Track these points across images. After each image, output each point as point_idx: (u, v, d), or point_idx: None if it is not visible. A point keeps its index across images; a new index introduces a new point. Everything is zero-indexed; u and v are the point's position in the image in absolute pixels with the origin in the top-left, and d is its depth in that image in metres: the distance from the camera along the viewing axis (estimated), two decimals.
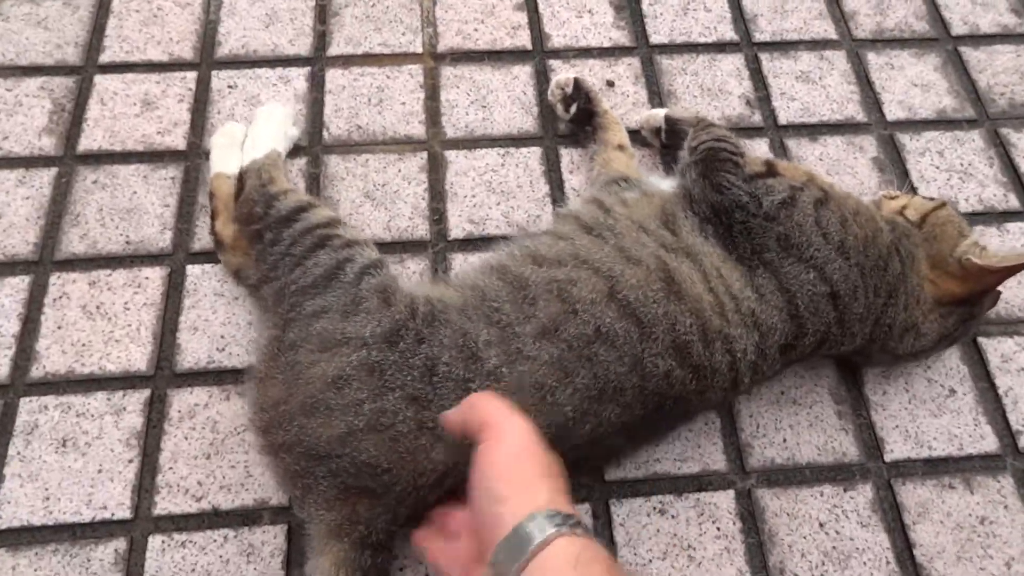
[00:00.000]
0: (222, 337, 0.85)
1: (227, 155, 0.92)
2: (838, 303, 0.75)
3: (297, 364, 0.69)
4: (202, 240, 0.92)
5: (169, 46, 1.08)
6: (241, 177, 0.89)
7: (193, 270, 0.90)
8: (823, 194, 0.79)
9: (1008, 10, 1.20)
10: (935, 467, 0.83)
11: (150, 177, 0.96)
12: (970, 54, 1.15)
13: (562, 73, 1.05)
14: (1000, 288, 0.83)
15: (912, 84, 1.12)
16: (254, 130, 0.94)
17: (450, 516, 0.64)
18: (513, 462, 0.54)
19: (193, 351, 0.85)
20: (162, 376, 0.83)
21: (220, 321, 0.86)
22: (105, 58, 1.06)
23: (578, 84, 1.01)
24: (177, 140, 0.99)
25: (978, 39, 1.17)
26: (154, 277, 0.89)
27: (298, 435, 0.67)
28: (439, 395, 0.67)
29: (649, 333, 0.70)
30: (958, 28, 1.17)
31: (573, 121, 1.02)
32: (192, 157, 0.98)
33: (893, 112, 1.09)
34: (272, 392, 0.70)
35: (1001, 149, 1.06)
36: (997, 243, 0.98)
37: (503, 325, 0.70)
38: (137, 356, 0.84)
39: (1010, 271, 0.77)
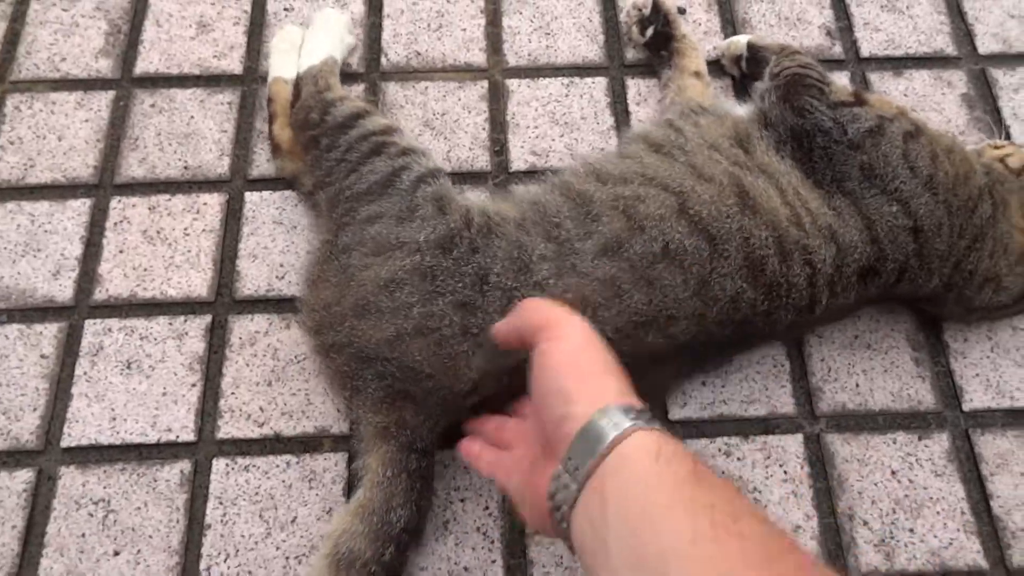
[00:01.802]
0: (281, 265, 0.84)
1: (286, 59, 0.91)
2: (919, 238, 0.71)
3: (350, 267, 0.69)
4: (260, 167, 0.90)
5: None
6: (297, 83, 0.88)
7: (251, 197, 0.88)
8: (914, 127, 0.75)
9: None
10: (1016, 418, 0.79)
11: (207, 102, 0.94)
12: None
13: None
14: None
15: (1009, 15, 1.04)
16: (311, 35, 0.92)
17: (502, 427, 0.63)
18: (577, 358, 0.51)
19: (252, 278, 0.84)
20: (222, 303, 0.83)
21: (279, 249, 0.85)
22: None
23: (656, 5, 0.96)
24: (233, 64, 0.97)
25: None
26: (212, 203, 0.88)
27: (349, 336, 0.68)
28: (487, 302, 0.66)
29: (721, 251, 0.67)
30: None
31: (648, 46, 0.97)
32: (248, 81, 0.96)
33: (986, 45, 1.01)
34: (324, 294, 0.70)
35: None
36: None
37: (561, 240, 0.68)
38: (197, 282, 0.83)
39: None
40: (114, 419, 0.77)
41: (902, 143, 0.73)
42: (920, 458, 0.77)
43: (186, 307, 0.82)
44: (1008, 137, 0.94)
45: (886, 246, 0.71)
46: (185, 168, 0.90)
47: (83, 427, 0.76)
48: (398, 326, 0.66)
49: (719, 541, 0.39)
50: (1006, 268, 0.75)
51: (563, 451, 0.47)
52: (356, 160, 0.76)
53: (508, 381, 0.66)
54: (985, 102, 0.97)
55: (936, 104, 0.97)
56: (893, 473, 0.77)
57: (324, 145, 0.79)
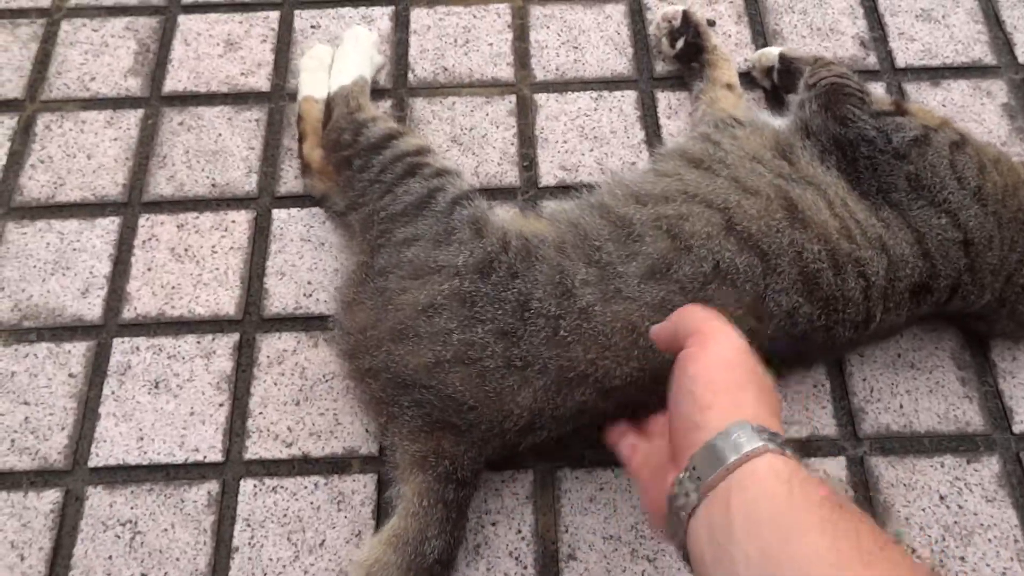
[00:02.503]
0: (309, 283, 0.84)
1: (316, 78, 0.90)
2: (970, 251, 0.69)
3: (387, 290, 0.68)
4: (287, 184, 0.90)
5: None
6: (328, 104, 0.87)
7: (279, 214, 0.88)
8: (960, 137, 0.73)
9: None
10: None
11: (234, 119, 0.94)
12: None
13: (667, 6, 0.98)
14: None
15: None
16: (341, 54, 0.92)
17: (652, 417, 0.61)
18: (721, 369, 0.49)
19: (280, 296, 0.83)
20: (250, 321, 0.82)
21: (307, 267, 0.84)
22: None
23: (687, 17, 0.94)
24: (261, 81, 0.97)
25: None
26: (240, 221, 0.87)
27: (385, 361, 0.66)
28: (529, 332, 0.64)
29: (774, 266, 0.65)
30: None
31: (678, 58, 0.95)
32: (276, 99, 0.96)
33: None
34: (360, 317, 0.69)
35: None
36: None
37: (603, 264, 0.67)
38: (225, 300, 0.83)
39: None
40: (141, 439, 0.76)
41: (948, 153, 0.71)
42: (969, 483, 0.74)
43: (214, 325, 0.82)
44: None
45: (938, 261, 0.69)
46: (213, 186, 0.90)
47: (111, 447, 0.76)
48: (437, 352, 0.65)
49: (867, 564, 0.37)
50: None
51: (688, 459, 0.46)
52: (390, 181, 0.76)
53: (575, 425, 0.65)
54: None
55: (976, 115, 0.94)
56: (942, 498, 0.74)
57: (357, 166, 0.79)
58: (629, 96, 0.96)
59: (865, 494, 0.74)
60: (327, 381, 0.78)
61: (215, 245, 0.86)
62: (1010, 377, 0.79)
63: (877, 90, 0.96)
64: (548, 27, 1.02)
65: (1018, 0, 1.03)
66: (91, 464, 0.75)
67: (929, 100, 0.96)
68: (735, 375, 0.48)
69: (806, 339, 0.67)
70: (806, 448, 0.76)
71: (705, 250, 0.65)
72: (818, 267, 0.65)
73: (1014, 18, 1.01)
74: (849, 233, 0.67)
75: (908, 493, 0.74)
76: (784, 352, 0.67)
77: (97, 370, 0.79)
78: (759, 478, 0.42)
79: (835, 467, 0.75)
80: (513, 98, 0.96)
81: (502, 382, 0.64)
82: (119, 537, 0.72)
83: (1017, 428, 0.77)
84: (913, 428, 0.77)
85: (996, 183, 0.70)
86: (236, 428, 0.77)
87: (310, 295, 0.83)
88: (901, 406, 0.78)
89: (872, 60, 0.99)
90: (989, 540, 0.72)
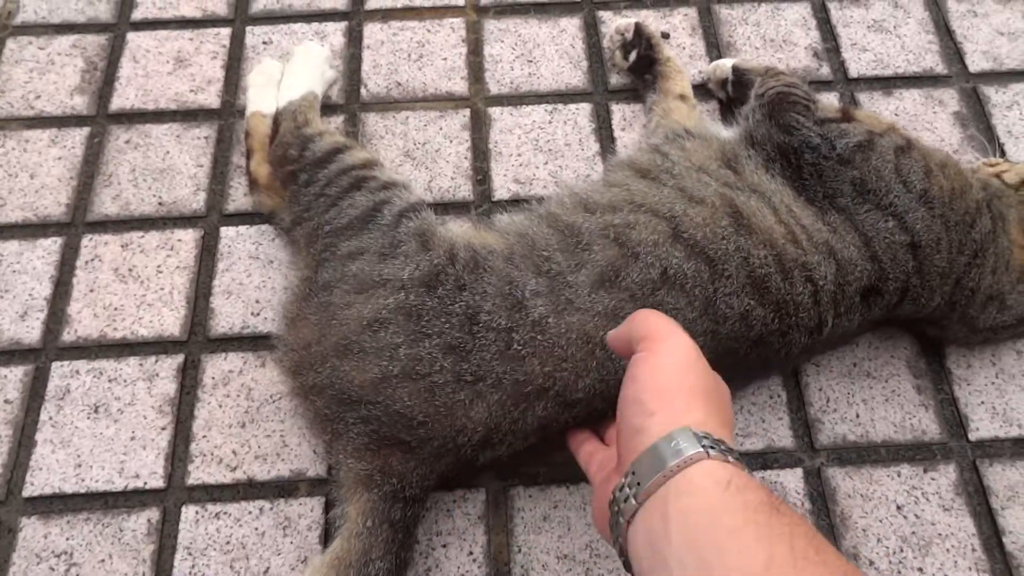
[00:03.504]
0: (257, 302, 0.82)
1: (264, 93, 0.89)
2: (918, 253, 0.69)
3: (331, 305, 0.67)
4: (236, 201, 0.88)
5: (203, 2, 1.04)
6: (276, 119, 0.86)
7: (227, 232, 0.86)
8: (905, 142, 0.73)
9: None
10: None
11: (183, 136, 0.92)
12: None
13: (620, 19, 0.98)
14: None
15: (998, 32, 1.02)
16: (291, 69, 0.91)
17: (610, 424, 0.61)
18: (668, 375, 0.48)
19: (227, 316, 0.81)
20: (195, 341, 0.80)
21: (255, 285, 0.83)
22: (138, 15, 1.02)
23: (639, 29, 0.94)
24: (211, 98, 0.96)
25: None
26: (187, 239, 0.85)
27: (330, 377, 0.65)
28: (479, 346, 0.63)
29: (721, 271, 0.65)
30: None
31: (632, 70, 0.95)
32: (226, 116, 0.94)
33: (976, 63, 0.99)
34: (304, 332, 0.68)
35: None
36: None
37: (553, 274, 0.66)
38: (170, 320, 0.81)
39: None
40: (79, 466, 0.73)
41: (894, 157, 0.71)
42: (927, 492, 0.73)
43: (158, 347, 0.79)
44: (1003, 155, 0.92)
45: (886, 263, 0.68)
46: (160, 204, 0.88)
47: (47, 475, 0.73)
48: (383, 368, 0.64)
49: (800, 569, 0.37)
50: (1009, 285, 0.72)
51: (629, 464, 0.46)
52: (336, 195, 0.75)
53: (536, 440, 0.64)
54: (978, 120, 0.95)
55: (928, 123, 0.95)
56: (899, 508, 0.73)
57: (303, 180, 0.77)
58: (584, 109, 0.96)
59: (823, 506, 0.73)
60: (274, 402, 0.76)
61: (160, 265, 0.84)
62: (965, 384, 0.79)
63: (829, 99, 0.96)
64: (503, 41, 1.01)
65: (967, 11, 1.04)
66: (25, 494, 0.72)
67: (882, 109, 0.96)
68: (683, 380, 0.48)
69: (763, 343, 0.66)
70: (763, 460, 0.75)
71: (652, 257, 0.65)
72: (765, 271, 0.65)
73: (964, 28, 1.02)
74: (795, 238, 0.67)
75: (865, 504, 0.73)
76: (744, 357, 0.67)
77: (34, 395, 0.77)
78: (697, 483, 0.42)
79: (792, 479, 0.74)
80: (467, 112, 0.95)
81: (452, 397, 0.62)
82: (53, 569, 0.69)
83: (973, 435, 0.76)
84: (870, 438, 0.76)
85: (943, 186, 0.70)
86: (179, 452, 0.74)
87: (258, 314, 0.81)
88: (857, 415, 0.77)
89: (825, 71, 0.99)
90: (947, 550, 0.71)
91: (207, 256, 0.85)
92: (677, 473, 0.42)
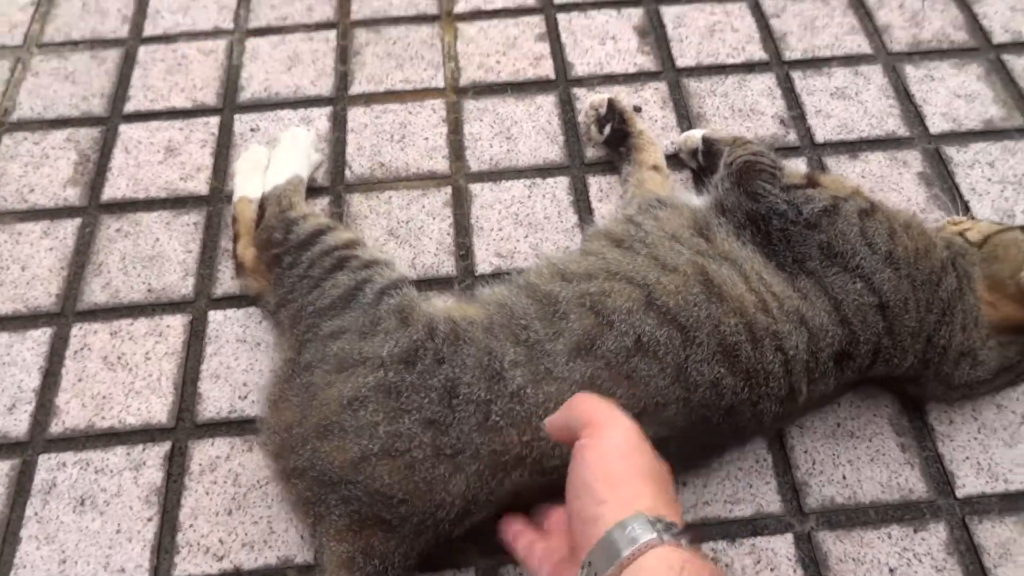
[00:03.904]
0: (244, 384, 0.82)
1: (250, 179, 0.92)
2: (887, 314, 0.70)
3: (312, 385, 0.68)
4: (224, 285, 0.90)
5: (193, 92, 1.08)
6: (262, 204, 0.88)
7: (215, 316, 0.87)
8: (869, 205, 0.75)
9: None
10: (1014, 502, 0.76)
11: (172, 223, 0.95)
12: (1014, 62, 1.10)
13: (594, 95, 1.02)
14: None
15: (955, 95, 1.06)
16: (277, 155, 0.94)
17: (546, 512, 0.60)
18: (615, 461, 0.49)
19: (215, 400, 0.82)
20: (183, 427, 0.80)
21: (242, 368, 0.84)
22: (130, 107, 1.06)
23: (612, 104, 0.98)
24: (200, 185, 0.98)
25: (1021, 46, 1.12)
26: (175, 325, 0.87)
27: (311, 459, 0.65)
28: (458, 419, 0.64)
29: (693, 338, 0.66)
30: (999, 36, 1.13)
31: (607, 143, 0.99)
32: (214, 201, 0.97)
33: (937, 125, 1.03)
34: (286, 414, 0.68)
35: None
36: None
37: (531, 343, 0.67)
38: (157, 407, 0.81)
39: None
40: (64, 562, 0.73)
41: (858, 220, 0.73)
42: (918, 552, 0.73)
43: (145, 435, 0.80)
44: (967, 212, 0.95)
45: (856, 326, 0.70)
46: (149, 291, 0.89)
47: (30, 573, 0.72)
48: (363, 447, 0.64)
49: None
50: (979, 341, 0.73)
51: (585, 555, 0.46)
52: (319, 276, 0.76)
53: (506, 506, 0.64)
54: (942, 179, 0.98)
55: (894, 184, 0.98)
56: (891, 571, 0.72)
57: (287, 263, 0.79)
58: (562, 182, 0.99)
59: (816, 572, 0.72)
60: (261, 487, 0.76)
61: (149, 351, 0.85)
62: (949, 440, 0.79)
63: (799, 165, 0.99)
64: (481, 120, 1.05)
65: (924, 75, 1.08)
66: None
67: (849, 172, 0.99)
68: (630, 465, 0.48)
69: (735, 412, 0.67)
70: (753, 527, 0.75)
71: (627, 325, 0.66)
72: (736, 340, 0.66)
73: (922, 92, 1.07)
74: (766, 307, 0.68)
75: (858, 568, 0.72)
76: (716, 426, 0.67)
77: (20, 490, 0.77)
78: (651, 571, 0.42)
79: (783, 545, 0.74)
80: (449, 189, 0.98)
81: (432, 472, 0.63)
82: None
83: (960, 492, 0.76)
84: (858, 499, 0.76)
85: (907, 247, 0.72)
86: (165, 544, 0.74)
87: (245, 397, 0.82)
88: (844, 477, 0.77)
89: (792, 137, 1.03)
90: None
91: (195, 341, 0.86)
92: (632, 562, 0.43)
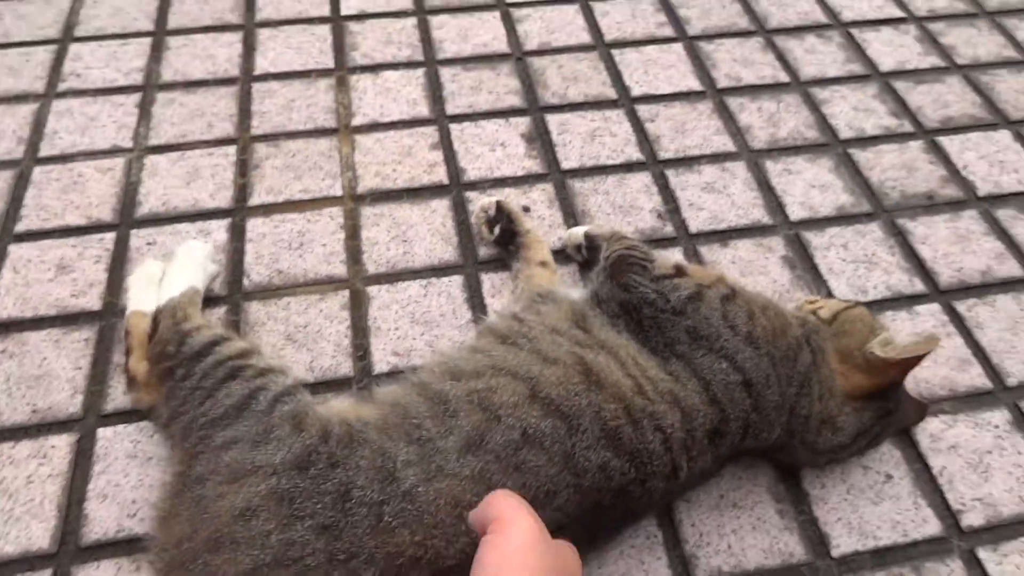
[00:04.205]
0: (134, 502, 0.81)
1: (144, 292, 0.92)
2: (752, 390, 0.75)
3: (203, 499, 0.67)
4: (115, 400, 0.89)
5: (88, 210, 1.09)
6: (156, 317, 0.88)
7: (105, 433, 0.86)
8: (730, 291, 0.82)
9: (887, 113, 1.30)
10: (883, 558, 0.81)
11: (62, 341, 0.94)
12: (859, 155, 1.23)
13: (484, 198, 1.08)
14: (927, 403, 0.88)
15: (810, 186, 1.18)
16: (172, 268, 0.94)
17: None
18: (513, 557, 0.50)
19: (101, 520, 0.79)
20: (66, 552, 0.77)
21: (132, 485, 0.82)
22: (21, 227, 1.06)
23: (500, 206, 1.05)
24: (92, 301, 0.98)
25: (864, 141, 1.25)
26: (61, 445, 0.85)
27: (202, 574, 0.64)
28: (351, 523, 0.64)
29: (577, 426, 0.69)
30: (845, 133, 1.26)
31: (497, 242, 1.04)
32: (108, 316, 0.97)
33: (796, 213, 1.14)
34: (176, 530, 0.67)
35: (900, 238, 1.12)
36: (909, 327, 1.01)
37: (423, 441, 0.69)
38: (38, 533, 0.78)
39: (910, 363, 0.78)
40: None
41: (720, 305, 0.79)
42: None
43: (24, 563, 0.77)
44: (829, 292, 1.04)
45: (725, 404, 0.75)
46: (33, 412, 0.87)
47: None
48: (255, 557, 0.63)
49: None
50: (836, 409, 0.79)
51: None
52: (211, 386, 0.76)
53: None
54: (803, 262, 1.08)
55: (762, 268, 1.07)
56: None
57: (179, 375, 0.79)
58: (456, 280, 1.03)
59: None
60: None
61: (31, 475, 0.83)
62: (822, 503, 0.84)
63: (675, 255, 1.07)
64: (378, 225, 1.10)
65: (783, 169, 1.20)
66: None
67: (721, 259, 1.08)
68: (525, 563, 0.50)
69: (625, 492, 0.70)
70: None
71: (513, 418, 0.69)
72: (617, 424, 0.70)
73: (782, 184, 1.18)
74: (642, 390, 0.73)
75: None
76: (609, 507, 0.70)
77: None
78: None
79: None
80: (347, 292, 1.01)
81: None
82: None
83: (835, 552, 0.81)
84: (743, 567, 0.79)
85: (766, 327, 0.79)
86: None
87: (134, 515, 0.80)
88: (729, 546, 0.81)
89: (669, 229, 1.11)
90: None
91: (82, 460, 0.84)
92: None
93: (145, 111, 1.23)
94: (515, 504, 0.54)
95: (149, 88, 1.26)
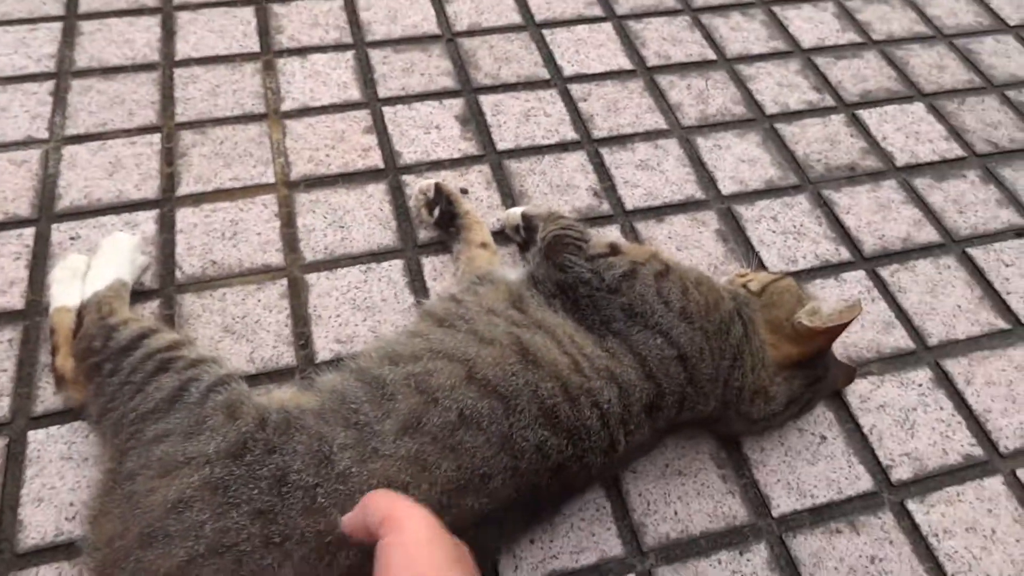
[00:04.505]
0: (71, 504, 0.78)
1: (68, 288, 0.88)
2: (687, 364, 0.77)
3: (134, 494, 0.66)
4: (45, 402, 0.85)
5: (3, 205, 1.04)
6: (81, 312, 0.86)
7: (36, 435, 0.83)
8: (664, 267, 0.84)
9: (810, 88, 1.34)
10: (820, 515, 0.85)
11: None
12: (785, 129, 1.27)
13: (422, 180, 1.08)
14: (855, 366, 0.92)
15: (740, 160, 1.21)
16: (97, 261, 0.91)
17: None
18: (418, 555, 0.49)
19: (38, 525, 0.77)
20: (1, 560, 0.74)
21: (68, 487, 0.79)
22: None
23: (439, 188, 1.04)
24: (14, 300, 0.94)
25: (789, 115, 1.29)
26: None
27: (134, 570, 0.63)
28: (287, 505, 0.64)
29: (514, 406, 0.70)
30: (771, 108, 1.30)
31: (437, 224, 1.04)
32: (31, 315, 0.93)
33: (727, 187, 1.17)
34: (107, 528, 0.65)
35: (826, 208, 1.16)
36: (837, 293, 1.06)
37: (361, 426, 0.69)
38: None
39: (836, 330, 0.81)
40: None
41: (654, 282, 0.81)
42: (745, 573, 0.80)
43: None
44: (761, 263, 1.07)
45: (661, 379, 0.77)
46: None
47: None
48: (189, 549, 0.62)
49: None
50: (768, 379, 0.82)
51: None
52: (140, 380, 0.74)
53: None
54: (735, 234, 1.11)
55: (696, 242, 1.10)
56: None
57: (107, 370, 0.76)
58: (396, 265, 1.03)
59: None
60: None
61: None
62: (762, 466, 0.88)
63: (611, 232, 1.09)
64: (314, 211, 1.08)
65: (713, 145, 1.23)
66: None
67: (657, 234, 1.10)
68: (432, 558, 0.50)
69: (563, 469, 0.71)
70: (598, 572, 0.79)
71: (450, 400, 0.70)
72: (554, 402, 0.71)
73: (713, 159, 1.21)
74: (579, 367, 0.74)
75: None
76: (546, 487, 0.71)
77: None
78: None
79: None
80: (284, 281, 1.00)
81: (260, 563, 0.62)
82: None
83: (776, 512, 0.84)
84: (689, 532, 0.82)
85: (698, 302, 0.81)
86: None
87: (72, 518, 0.77)
88: (676, 513, 0.84)
89: (606, 207, 1.13)
90: None
91: (13, 464, 0.81)
92: None
93: (60, 99, 1.17)
94: (402, 500, 0.53)
95: (63, 75, 1.20)
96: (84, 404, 0.81)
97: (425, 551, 0.50)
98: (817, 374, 0.85)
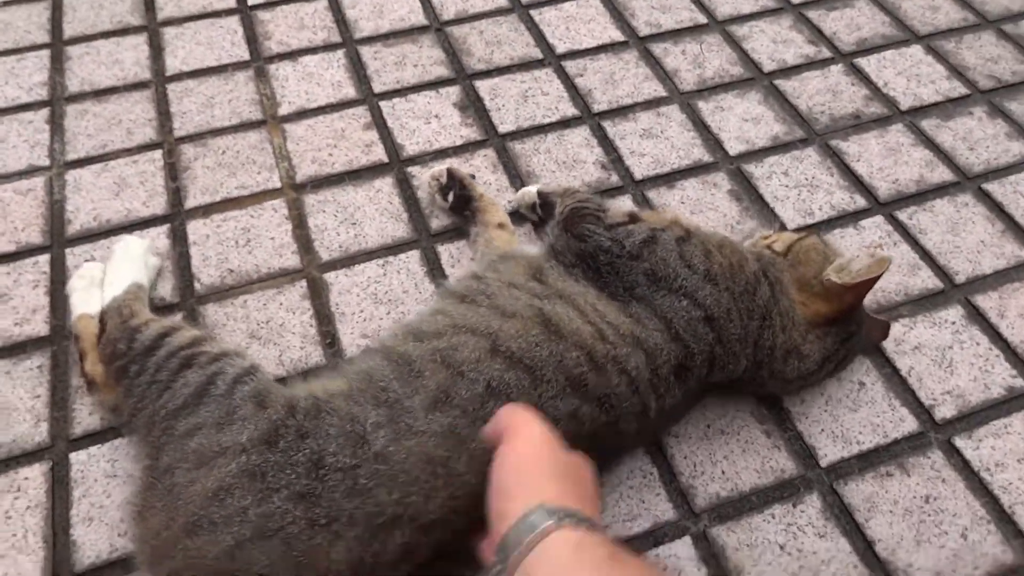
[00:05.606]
0: (122, 521, 0.78)
1: (87, 296, 0.90)
2: (714, 324, 0.77)
3: (175, 487, 0.66)
4: (83, 423, 0.85)
5: (15, 235, 1.03)
6: (102, 317, 0.86)
7: (78, 456, 0.82)
8: (685, 232, 0.83)
9: (805, 42, 1.33)
10: (868, 460, 0.85)
11: (14, 372, 0.89)
12: (785, 85, 1.27)
13: (434, 167, 1.07)
14: (888, 320, 0.92)
15: (743, 120, 1.21)
16: (111, 267, 0.92)
17: None
18: (525, 460, 0.56)
19: (92, 544, 0.76)
20: None
21: (116, 504, 0.79)
22: None
23: (451, 173, 1.04)
24: (38, 327, 0.93)
25: (788, 71, 1.29)
26: (34, 476, 0.81)
27: (184, 559, 0.63)
28: (328, 487, 0.64)
29: (541, 376, 0.70)
30: (768, 65, 1.29)
31: (453, 209, 1.04)
32: (58, 340, 0.92)
33: (734, 147, 1.17)
34: (153, 522, 0.66)
35: (836, 158, 1.16)
36: (857, 241, 1.05)
37: (391, 403, 0.69)
38: (28, 568, 0.75)
39: (866, 285, 0.80)
40: None
41: (676, 246, 0.81)
42: (800, 525, 0.80)
43: None
44: (783, 226, 1.07)
45: (688, 340, 0.76)
46: None
47: None
48: (235, 534, 0.63)
49: None
50: (800, 338, 0.82)
51: (496, 546, 0.52)
52: (166, 379, 0.74)
53: (411, 567, 0.65)
54: (748, 193, 1.11)
55: (710, 204, 1.09)
56: (782, 547, 0.78)
57: (134, 371, 0.77)
58: (413, 255, 1.02)
59: (716, 566, 0.77)
60: None
61: (8, 510, 0.79)
62: (804, 418, 0.88)
63: (626, 203, 1.08)
64: (324, 211, 1.07)
65: (715, 107, 1.22)
66: None
67: (670, 200, 1.10)
68: (538, 465, 0.56)
69: (597, 437, 0.71)
70: (654, 538, 0.79)
71: (476, 373, 0.70)
72: (580, 371, 0.71)
73: (716, 121, 1.20)
74: (603, 335, 0.74)
75: (752, 552, 0.78)
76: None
77: None
78: (551, 551, 0.49)
79: (684, 548, 0.78)
80: (304, 283, 0.99)
81: (310, 543, 0.62)
82: None
83: (824, 462, 0.84)
84: (740, 489, 0.82)
85: (723, 264, 0.80)
86: None
87: (125, 533, 0.77)
88: (723, 472, 0.83)
89: (615, 178, 1.12)
90: (834, 573, 0.77)
91: (60, 487, 0.80)
92: (535, 546, 0.49)
93: (57, 126, 1.16)
94: (524, 414, 0.60)
95: (56, 101, 1.20)
96: (117, 405, 0.81)
97: (533, 457, 0.56)
98: (850, 330, 0.84)
